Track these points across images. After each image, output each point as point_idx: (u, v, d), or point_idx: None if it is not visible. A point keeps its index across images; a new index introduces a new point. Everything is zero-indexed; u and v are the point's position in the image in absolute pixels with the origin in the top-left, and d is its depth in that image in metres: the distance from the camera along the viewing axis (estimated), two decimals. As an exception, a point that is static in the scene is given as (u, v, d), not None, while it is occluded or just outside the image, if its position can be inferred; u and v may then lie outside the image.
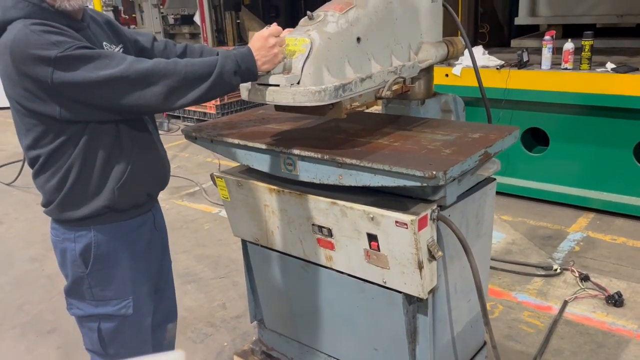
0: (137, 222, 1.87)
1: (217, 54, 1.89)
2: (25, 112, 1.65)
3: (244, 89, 1.85)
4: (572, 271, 3.50)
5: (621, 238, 3.98)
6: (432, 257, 1.85)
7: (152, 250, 1.97)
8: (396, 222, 1.78)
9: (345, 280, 2.10)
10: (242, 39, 9.23)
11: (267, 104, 1.91)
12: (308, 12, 1.85)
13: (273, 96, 1.78)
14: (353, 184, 1.83)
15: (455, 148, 1.84)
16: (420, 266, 1.82)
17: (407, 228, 1.76)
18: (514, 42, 6.10)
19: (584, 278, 3.41)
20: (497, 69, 4.46)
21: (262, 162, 2.06)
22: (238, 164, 2.35)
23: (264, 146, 2.01)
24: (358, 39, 1.84)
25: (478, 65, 4.57)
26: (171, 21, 10.38)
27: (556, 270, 3.53)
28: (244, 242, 2.48)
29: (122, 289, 1.85)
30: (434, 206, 1.83)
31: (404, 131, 2.07)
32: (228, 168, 2.39)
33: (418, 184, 1.67)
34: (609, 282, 3.40)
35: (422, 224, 1.78)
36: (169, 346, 2.27)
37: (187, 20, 9.95)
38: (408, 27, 2.05)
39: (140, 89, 1.57)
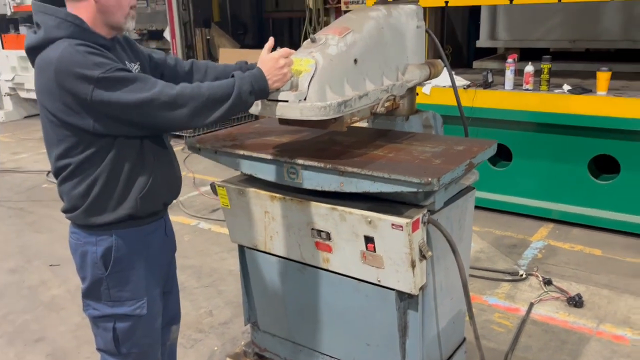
0: (152, 227, 2.02)
1: (222, 69, 2.09)
2: (60, 124, 1.78)
3: (255, 104, 2.02)
4: (536, 276, 3.79)
5: (578, 246, 4.30)
6: (422, 256, 2.05)
7: (163, 254, 2.11)
8: (392, 224, 1.98)
9: (341, 280, 2.28)
10: (211, 55, 9.36)
11: (263, 118, 2.11)
12: (311, 36, 2.05)
13: (282, 111, 1.98)
14: (354, 190, 2.02)
15: (444, 158, 2.06)
16: (413, 265, 2.02)
17: (402, 230, 1.96)
18: (476, 64, 6.47)
19: (547, 282, 3.69)
20: (464, 88, 4.77)
21: (266, 172, 2.23)
22: (238, 173, 2.52)
23: (268, 156, 2.19)
24: (355, 61, 2.06)
25: (445, 84, 4.89)
26: (135, 36, 10.39)
27: (522, 275, 3.81)
28: (240, 247, 2.63)
29: (137, 290, 1.98)
30: (425, 211, 2.05)
31: (395, 144, 2.28)
32: (227, 177, 2.54)
33: (414, 189, 1.88)
34: (570, 285, 3.69)
35: (415, 226, 1.99)
36: (172, 347, 2.38)
37: (155, 35, 10.01)
38: (396, 50, 2.28)
39: (169, 110, 1.75)
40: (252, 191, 2.35)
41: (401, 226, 1.95)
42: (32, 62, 1.82)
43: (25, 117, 10.32)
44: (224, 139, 2.46)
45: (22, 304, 3.81)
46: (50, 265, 4.32)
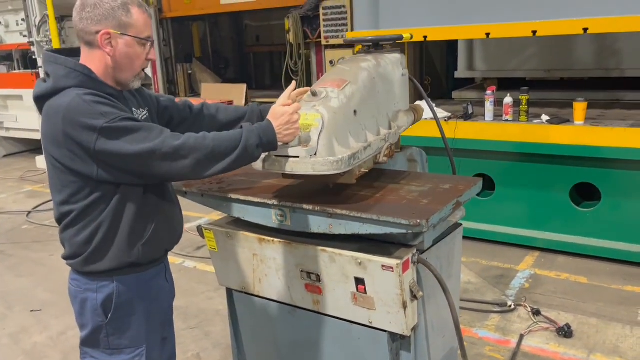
0: (152, 273, 1.99)
1: (233, 111, 2.08)
2: (64, 170, 1.78)
3: (259, 160, 2.00)
4: (525, 307, 3.79)
5: (564, 274, 4.33)
6: (414, 296, 2.04)
7: (163, 299, 2.08)
8: (383, 266, 1.97)
9: (332, 322, 2.25)
10: (193, 90, 9.40)
11: None
12: (311, 89, 2.06)
13: (292, 167, 1.96)
14: (342, 232, 2.02)
15: (431, 198, 2.08)
16: (405, 305, 2.01)
17: (392, 271, 1.96)
18: (455, 94, 6.60)
19: (536, 312, 3.70)
20: (445, 120, 4.84)
21: (254, 214, 2.22)
22: (224, 216, 2.50)
23: (256, 199, 2.18)
24: (355, 112, 2.07)
25: (428, 117, 4.96)
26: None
27: (510, 306, 3.81)
28: (229, 290, 2.59)
29: (136, 337, 1.94)
30: (414, 250, 2.05)
31: (382, 183, 2.29)
32: (214, 220, 2.52)
33: (404, 231, 1.89)
34: (558, 315, 3.70)
35: (405, 266, 1.98)
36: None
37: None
38: (386, 98, 2.31)
39: (171, 161, 1.74)
40: (240, 234, 2.34)
41: (391, 267, 1.95)
42: (40, 110, 1.83)
43: (5, 156, 10.19)
44: (210, 182, 2.44)
45: (2, 353, 3.69)
46: (32, 311, 4.20)
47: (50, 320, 4.02)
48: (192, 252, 5.13)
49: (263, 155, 1.98)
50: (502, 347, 3.39)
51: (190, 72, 9.62)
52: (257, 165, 2.01)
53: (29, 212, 6.67)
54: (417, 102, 2.75)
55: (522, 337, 3.46)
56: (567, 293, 4.02)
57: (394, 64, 2.34)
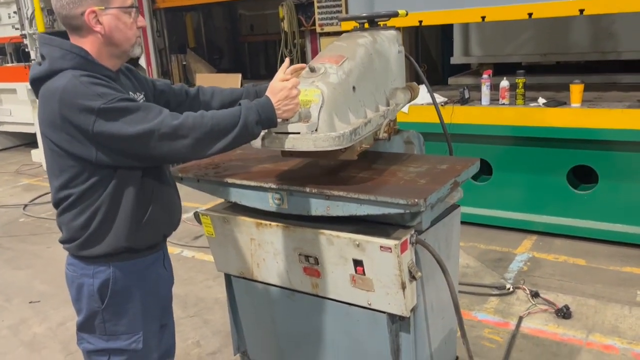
0: (150, 259, 1.98)
1: (228, 94, 2.06)
2: (63, 154, 1.75)
3: (258, 138, 1.97)
4: (523, 289, 3.79)
5: (562, 256, 4.34)
6: (412, 277, 2.04)
7: (161, 287, 2.07)
8: (381, 247, 1.97)
9: (331, 305, 2.25)
10: (188, 81, 9.34)
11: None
12: (309, 65, 2.03)
13: (293, 143, 1.93)
14: (340, 214, 2.01)
15: (429, 178, 2.06)
16: (403, 286, 2.01)
17: (391, 252, 1.95)
18: (451, 80, 6.57)
19: (535, 295, 3.71)
20: (442, 105, 4.82)
21: (251, 198, 2.21)
22: (220, 201, 2.49)
23: (252, 183, 2.17)
24: (354, 88, 2.05)
25: (424, 102, 4.94)
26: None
27: (509, 289, 3.81)
28: (227, 276, 2.58)
29: (133, 323, 1.93)
30: (412, 231, 2.04)
31: (379, 165, 2.28)
32: (210, 204, 2.51)
33: (402, 211, 1.88)
34: (556, 297, 3.70)
35: (403, 247, 1.98)
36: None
37: (131, 63, 9.99)
38: (383, 75, 2.29)
39: (170, 141, 1.71)
40: (237, 218, 2.32)
41: (390, 248, 1.94)
42: (36, 93, 1.80)
43: (0, 150, 10.14)
44: (206, 167, 2.43)
45: (2, 344, 3.68)
46: (30, 302, 4.19)
47: (49, 311, 4.01)
48: (190, 241, 5.12)
49: (263, 133, 1.96)
50: (501, 329, 3.40)
51: (184, 62, 9.56)
52: (257, 143, 1.99)
53: (26, 205, 6.65)
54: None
55: (521, 319, 3.47)
56: (565, 275, 4.03)
57: (390, 41, 2.32)
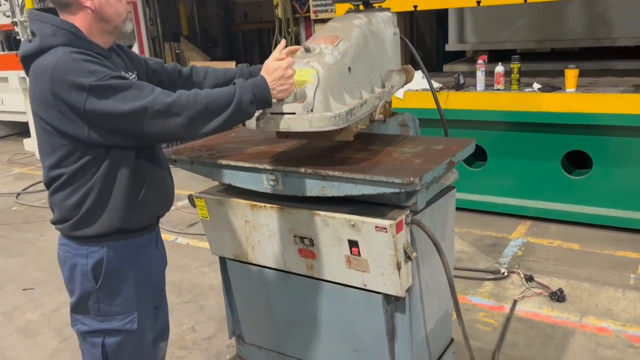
0: (144, 240, 1.96)
1: (222, 73, 2.04)
2: (54, 133, 1.73)
3: (253, 118, 1.95)
4: (518, 273, 3.81)
5: (557, 241, 4.35)
6: (408, 257, 2.03)
7: (154, 267, 2.05)
8: (376, 227, 1.96)
9: (326, 287, 2.24)
10: (182, 69, 9.31)
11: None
12: (304, 45, 2.01)
13: (288, 123, 1.91)
14: (335, 194, 2.00)
15: (424, 158, 2.05)
16: (399, 267, 2.00)
17: (386, 232, 1.94)
18: (446, 67, 6.55)
19: (529, 279, 3.72)
20: (437, 91, 4.80)
21: (245, 180, 2.19)
22: (215, 184, 2.48)
23: (247, 164, 2.15)
24: (349, 69, 2.03)
25: (419, 88, 4.93)
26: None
27: (504, 273, 3.83)
28: (222, 259, 2.57)
29: (127, 304, 1.92)
30: (407, 211, 2.03)
31: (374, 146, 2.27)
32: (205, 188, 2.49)
33: (397, 190, 1.87)
34: (551, 280, 3.72)
35: (399, 227, 1.97)
36: (160, 364, 2.31)
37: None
38: (379, 57, 2.27)
39: (163, 119, 1.69)
40: (231, 201, 2.31)
41: (385, 228, 1.93)
42: (27, 71, 1.78)
43: (-8, 139, 10.07)
44: (200, 149, 2.41)
45: (-4, 331, 3.67)
46: (24, 290, 4.17)
47: (42, 298, 4.00)
48: (184, 229, 5.10)
49: (257, 113, 1.93)
50: (496, 313, 3.41)
51: (178, 51, 9.49)
52: (251, 123, 1.96)
53: (19, 194, 6.60)
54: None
55: (515, 302, 3.48)
56: (559, 259, 4.05)
57: (386, 22, 2.30)
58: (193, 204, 2.48)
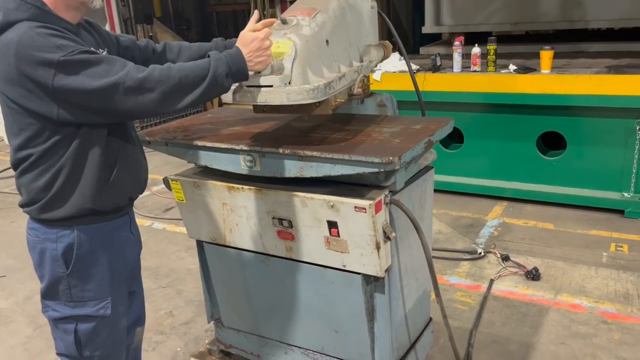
0: (116, 223, 1.91)
1: (196, 49, 1.97)
2: (22, 111, 1.66)
3: (230, 92, 1.89)
4: (494, 253, 3.86)
5: (532, 221, 4.42)
6: (387, 237, 2.03)
7: (128, 252, 2.00)
8: (355, 207, 1.94)
9: (306, 268, 2.23)
10: (155, 52, 9.12)
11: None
12: (281, 17, 1.96)
13: (266, 97, 1.86)
14: (314, 175, 1.97)
15: (403, 138, 2.04)
16: (378, 247, 2.00)
17: (365, 212, 1.93)
18: (423, 50, 6.55)
19: (505, 258, 3.77)
20: (414, 72, 4.78)
21: (222, 161, 2.15)
22: (191, 166, 2.43)
23: (223, 145, 2.11)
24: (327, 42, 1.99)
25: (396, 70, 4.91)
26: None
27: (480, 253, 3.87)
28: (199, 243, 2.54)
29: (100, 289, 1.87)
30: (386, 191, 2.02)
31: (353, 126, 2.24)
32: (181, 170, 2.44)
33: (376, 169, 1.85)
34: (526, 260, 3.77)
35: (378, 207, 1.96)
36: (137, 350, 2.28)
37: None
38: (357, 31, 2.24)
39: (136, 95, 1.63)
40: (207, 183, 2.27)
41: (364, 208, 1.92)
42: None
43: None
44: (174, 130, 2.36)
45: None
46: (-5, 277, 4.08)
47: (15, 285, 3.91)
48: (160, 214, 5.03)
49: (233, 87, 1.88)
50: (473, 292, 3.45)
51: (151, 33, 9.29)
52: (227, 97, 1.91)
53: (-12, 181, 6.43)
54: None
55: (492, 281, 3.53)
56: (534, 239, 4.11)
57: (363, -4, 2.27)
58: (169, 187, 2.43)
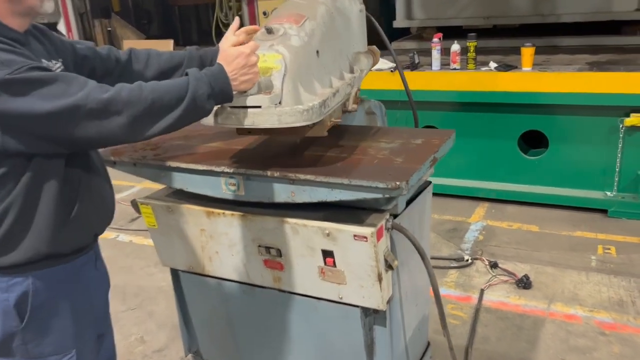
0: (78, 263, 1.63)
1: (167, 58, 1.72)
2: None
3: (210, 114, 1.62)
4: (482, 260, 3.71)
5: (516, 224, 4.30)
6: (389, 267, 1.82)
7: (94, 292, 1.73)
8: (355, 236, 1.73)
9: (296, 300, 2.01)
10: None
11: None
12: (266, 26, 1.71)
13: (253, 119, 1.61)
14: (307, 200, 1.74)
15: (405, 156, 1.83)
16: (380, 278, 1.79)
17: (366, 241, 1.71)
18: (394, 45, 6.35)
19: (493, 265, 3.63)
20: (391, 71, 4.60)
21: (200, 185, 1.90)
22: (162, 187, 2.17)
23: (201, 167, 1.86)
24: (317, 52, 1.75)
25: (374, 68, 4.69)
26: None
27: (467, 260, 3.72)
28: (174, 271, 2.28)
29: (62, 341, 1.60)
30: (387, 215, 1.81)
31: (346, 141, 2.02)
32: (152, 192, 2.18)
33: (380, 195, 1.63)
34: (515, 266, 3.64)
35: (379, 234, 1.75)
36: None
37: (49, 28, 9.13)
38: (346, 37, 2.01)
39: (100, 120, 1.36)
40: (182, 207, 2.01)
41: (365, 237, 1.70)
42: None
43: None
44: (143, 148, 2.08)
45: None
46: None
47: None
48: (125, 224, 4.71)
49: (215, 108, 1.63)
50: (464, 304, 3.29)
51: (109, 28, 8.84)
52: (208, 120, 1.65)
53: None
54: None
55: (482, 292, 3.38)
56: (520, 243, 3.98)
57: (350, -2, 2.04)
58: (138, 211, 2.16)
